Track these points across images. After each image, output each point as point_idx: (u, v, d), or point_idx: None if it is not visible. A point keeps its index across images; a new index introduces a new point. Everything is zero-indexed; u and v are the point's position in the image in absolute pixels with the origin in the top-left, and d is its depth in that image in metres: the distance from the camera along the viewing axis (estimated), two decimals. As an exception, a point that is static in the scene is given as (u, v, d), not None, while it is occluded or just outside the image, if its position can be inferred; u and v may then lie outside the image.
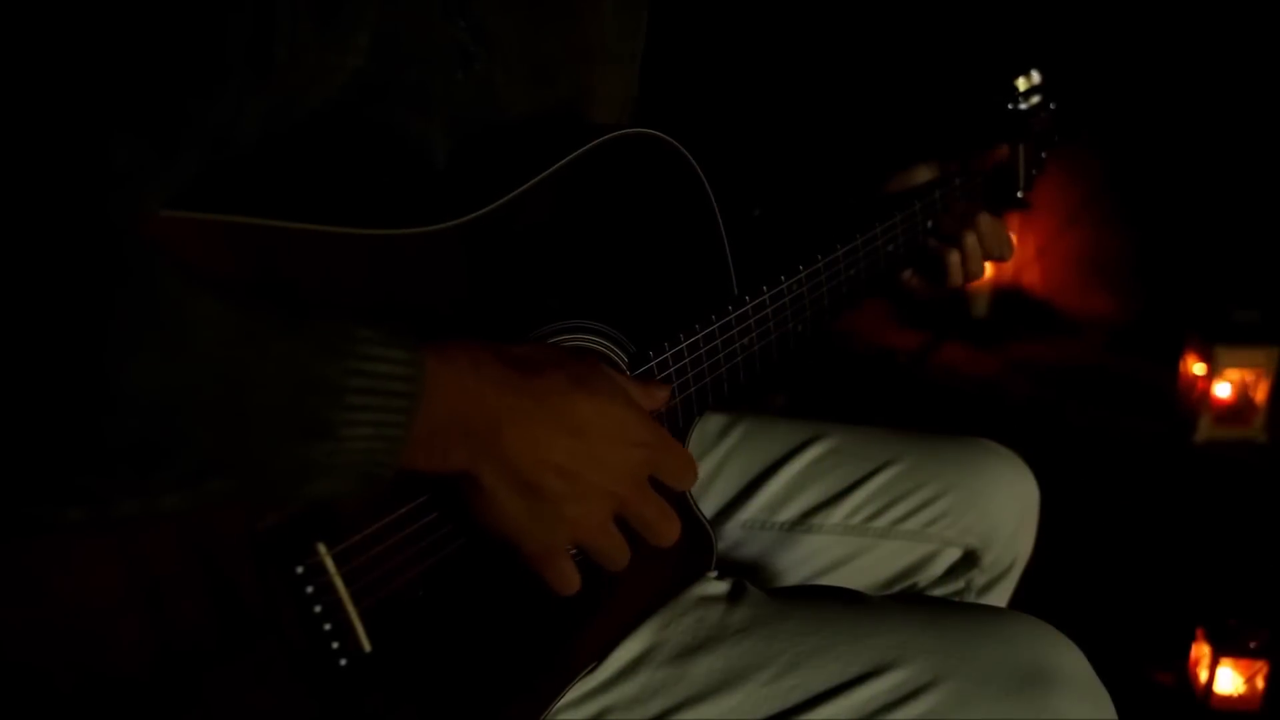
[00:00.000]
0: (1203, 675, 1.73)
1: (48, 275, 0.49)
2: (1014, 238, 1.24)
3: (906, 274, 1.19)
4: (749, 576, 0.97)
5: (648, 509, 0.75)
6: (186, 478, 0.55)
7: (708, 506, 1.17)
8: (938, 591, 1.18)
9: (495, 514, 0.69)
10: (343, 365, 0.58)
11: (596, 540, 0.73)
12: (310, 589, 0.66)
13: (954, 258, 1.15)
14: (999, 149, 1.23)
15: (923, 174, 1.18)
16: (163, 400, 0.52)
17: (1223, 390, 2.16)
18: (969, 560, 1.18)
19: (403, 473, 0.63)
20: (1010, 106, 1.26)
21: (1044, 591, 1.26)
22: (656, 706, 0.86)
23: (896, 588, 1.17)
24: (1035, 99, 1.27)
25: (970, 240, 1.14)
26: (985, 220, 1.15)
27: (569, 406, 0.69)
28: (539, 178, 0.78)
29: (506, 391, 0.67)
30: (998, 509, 1.18)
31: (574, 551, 0.74)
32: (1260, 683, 1.72)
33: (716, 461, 1.19)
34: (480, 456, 0.66)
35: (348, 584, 0.67)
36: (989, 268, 2.60)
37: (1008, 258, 1.21)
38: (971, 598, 1.18)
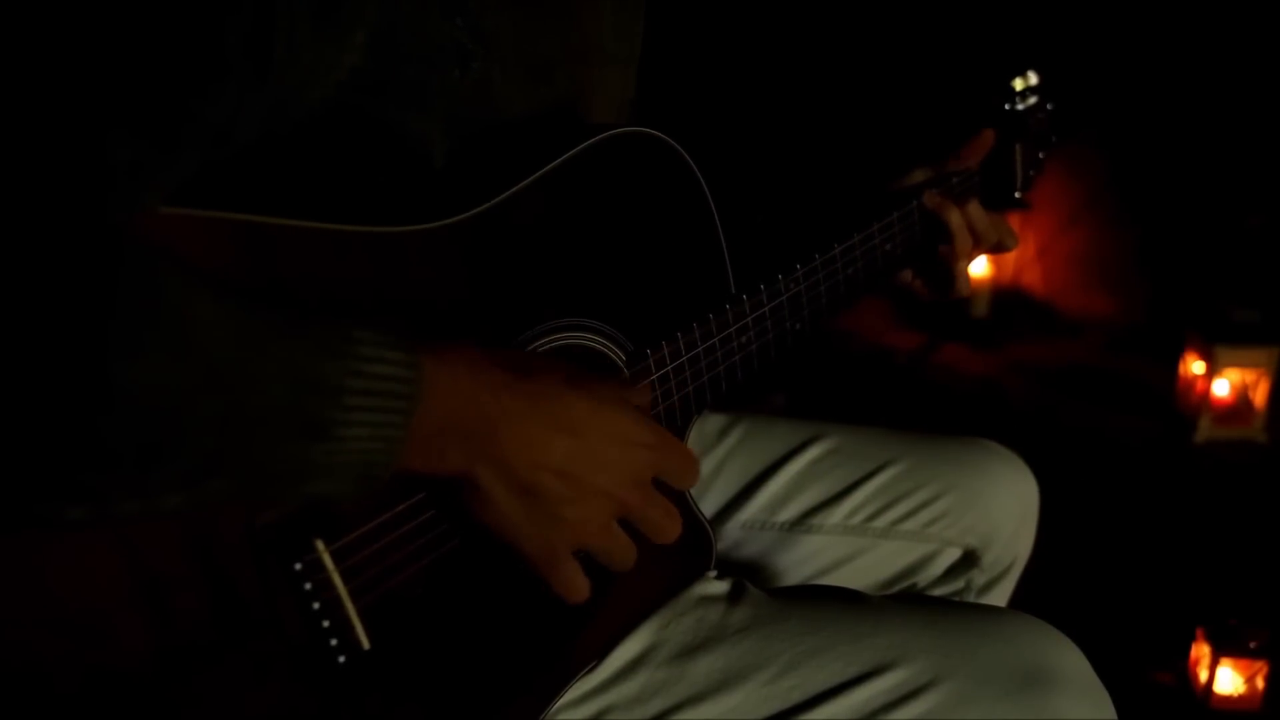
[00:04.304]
0: (1203, 675, 1.73)
1: (47, 274, 0.49)
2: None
3: (908, 278, 1.19)
4: (749, 576, 0.97)
5: (651, 510, 0.75)
6: (187, 477, 0.55)
7: (708, 506, 1.17)
8: (938, 591, 1.18)
9: (493, 516, 0.68)
10: (341, 366, 0.58)
11: (600, 542, 0.73)
12: (309, 586, 0.66)
13: (951, 242, 1.14)
14: (985, 134, 1.22)
15: (920, 175, 1.18)
16: (163, 400, 0.52)
17: (1222, 390, 2.16)
18: (969, 560, 1.18)
19: (400, 473, 0.63)
20: (1007, 107, 1.26)
21: (1044, 591, 1.26)
22: (656, 706, 0.86)
23: (896, 588, 1.17)
24: (1032, 99, 1.27)
25: (956, 219, 1.13)
26: (975, 208, 1.14)
27: (565, 408, 0.69)
28: (536, 175, 0.78)
29: (503, 393, 0.67)
30: (998, 509, 1.18)
31: (580, 553, 0.73)
32: (1260, 683, 1.72)
33: (716, 461, 1.19)
34: (477, 458, 0.66)
35: (346, 581, 0.67)
36: (989, 264, 2.59)
37: (1011, 247, 1.20)
38: (971, 598, 1.18)
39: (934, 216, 1.13)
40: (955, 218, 1.13)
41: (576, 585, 0.72)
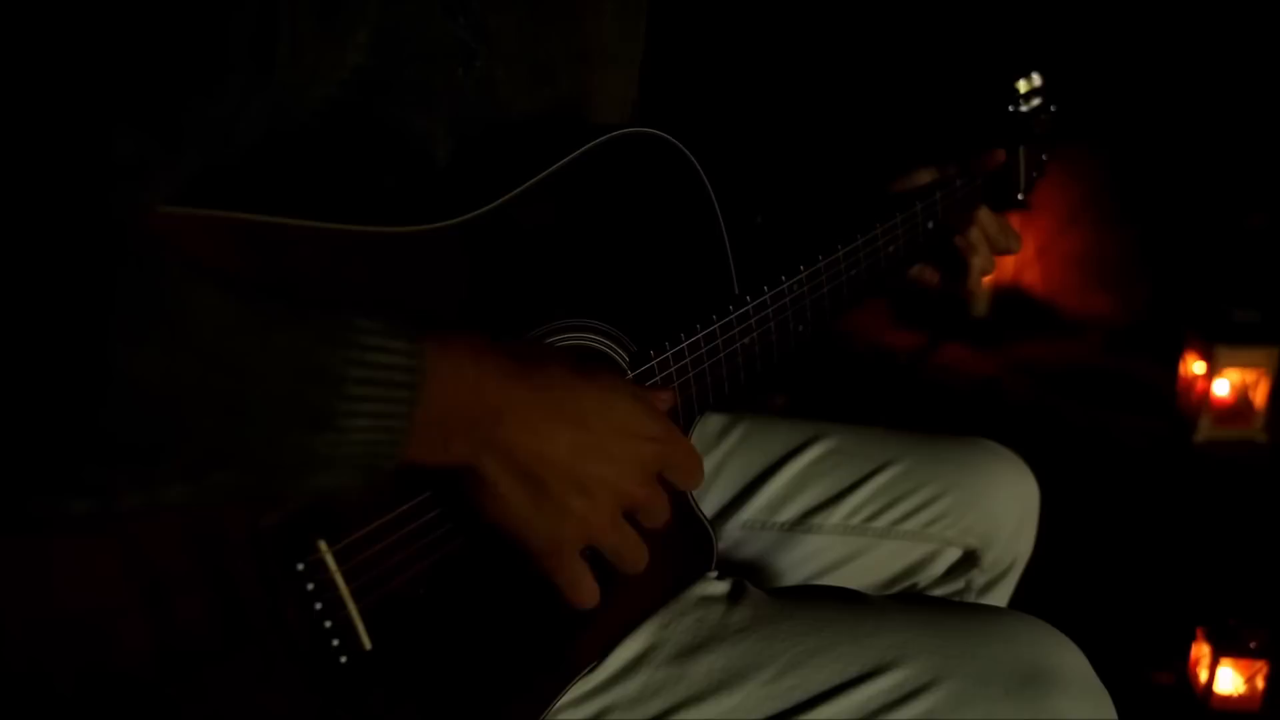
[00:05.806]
0: (1203, 675, 1.73)
1: (51, 266, 0.50)
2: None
3: (925, 271, 1.20)
4: (749, 576, 0.97)
5: (657, 503, 0.74)
6: (189, 469, 0.55)
7: (708, 506, 1.17)
8: (938, 591, 1.18)
9: (498, 507, 0.68)
10: (343, 355, 0.58)
11: (608, 537, 0.72)
12: (311, 586, 0.66)
13: (973, 255, 1.17)
14: (997, 153, 1.24)
15: (924, 177, 1.18)
16: (165, 391, 0.52)
17: (1223, 390, 2.16)
18: (969, 560, 1.18)
19: (405, 468, 0.63)
20: (1011, 109, 1.26)
21: (1044, 591, 1.26)
22: (656, 706, 0.85)
23: (896, 588, 1.17)
24: (1036, 101, 1.27)
25: (975, 235, 1.16)
26: (986, 215, 1.16)
27: (572, 397, 0.69)
28: (540, 176, 0.78)
29: (507, 382, 0.66)
30: (998, 509, 1.18)
31: (588, 555, 0.73)
32: (1260, 683, 1.72)
33: (716, 461, 1.19)
34: (481, 448, 0.66)
35: (348, 581, 0.67)
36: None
37: (1016, 250, 1.22)
38: (971, 598, 1.18)
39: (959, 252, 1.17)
40: (975, 235, 1.17)
41: (583, 586, 0.72)
